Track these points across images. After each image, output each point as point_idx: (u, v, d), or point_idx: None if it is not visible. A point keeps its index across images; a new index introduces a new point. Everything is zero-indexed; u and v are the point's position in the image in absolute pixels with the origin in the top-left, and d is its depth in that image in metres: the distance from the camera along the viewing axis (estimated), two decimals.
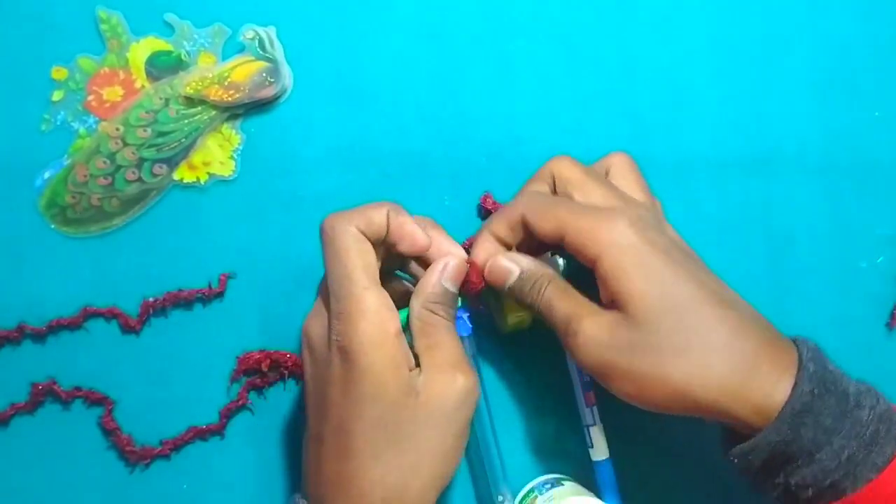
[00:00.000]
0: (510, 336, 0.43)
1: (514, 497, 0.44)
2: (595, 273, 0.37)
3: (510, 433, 0.45)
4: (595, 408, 0.42)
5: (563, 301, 0.38)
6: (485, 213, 0.45)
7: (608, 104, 0.46)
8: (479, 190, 0.45)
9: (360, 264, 0.37)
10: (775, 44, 0.47)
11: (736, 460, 0.35)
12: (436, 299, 0.38)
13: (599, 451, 0.42)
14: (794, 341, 0.36)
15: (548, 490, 0.42)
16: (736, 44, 0.47)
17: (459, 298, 0.40)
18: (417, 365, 0.37)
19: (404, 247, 0.38)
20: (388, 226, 0.38)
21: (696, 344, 0.34)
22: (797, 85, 0.47)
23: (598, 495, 0.42)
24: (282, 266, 0.45)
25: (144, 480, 0.44)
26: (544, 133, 0.46)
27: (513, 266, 0.39)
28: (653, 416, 0.44)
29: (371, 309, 0.36)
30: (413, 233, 0.38)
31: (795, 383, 0.33)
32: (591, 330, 0.36)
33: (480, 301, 0.42)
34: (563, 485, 0.42)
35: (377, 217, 0.37)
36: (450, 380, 0.37)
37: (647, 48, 0.46)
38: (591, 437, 0.42)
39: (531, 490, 0.43)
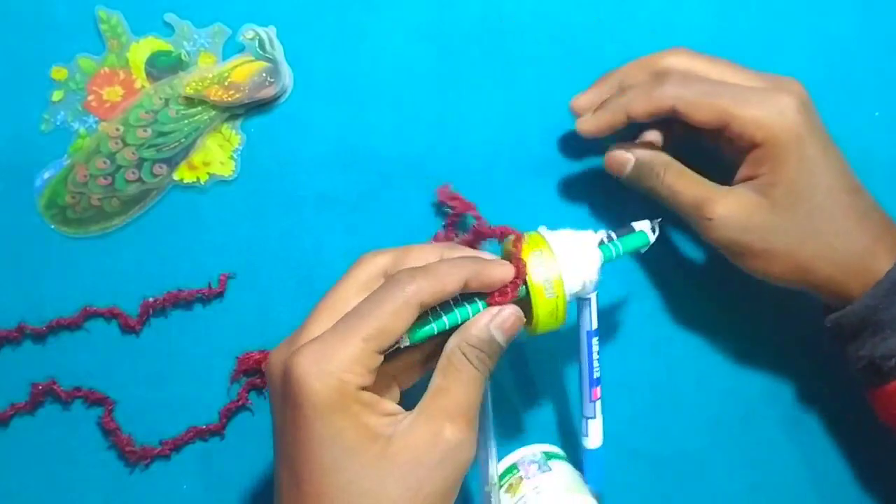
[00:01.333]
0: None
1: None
2: (745, 154, 0.39)
3: (506, 412, 0.45)
4: (598, 402, 0.41)
5: (687, 185, 0.40)
6: (443, 207, 0.44)
7: None
8: (479, 191, 0.45)
9: (390, 329, 0.33)
10: (775, 44, 0.47)
11: (830, 325, 0.39)
12: (476, 343, 0.34)
13: (594, 440, 0.41)
14: None
15: (536, 474, 0.41)
16: (736, 44, 0.46)
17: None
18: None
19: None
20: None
21: (827, 228, 0.38)
22: None
23: (585, 480, 0.42)
24: (282, 266, 0.45)
25: (144, 480, 0.45)
26: (544, 134, 0.46)
27: (628, 155, 0.41)
28: (650, 415, 0.44)
29: (340, 354, 0.32)
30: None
31: (891, 269, 0.37)
32: (727, 212, 0.38)
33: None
34: (551, 468, 0.41)
35: (452, 287, 0.34)
36: (435, 430, 0.33)
37: (647, 48, 0.45)
38: (587, 428, 0.41)
39: (514, 466, 0.42)
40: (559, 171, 0.46)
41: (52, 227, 0.45)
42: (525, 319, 0.36)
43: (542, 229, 0.38)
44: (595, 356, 0.40)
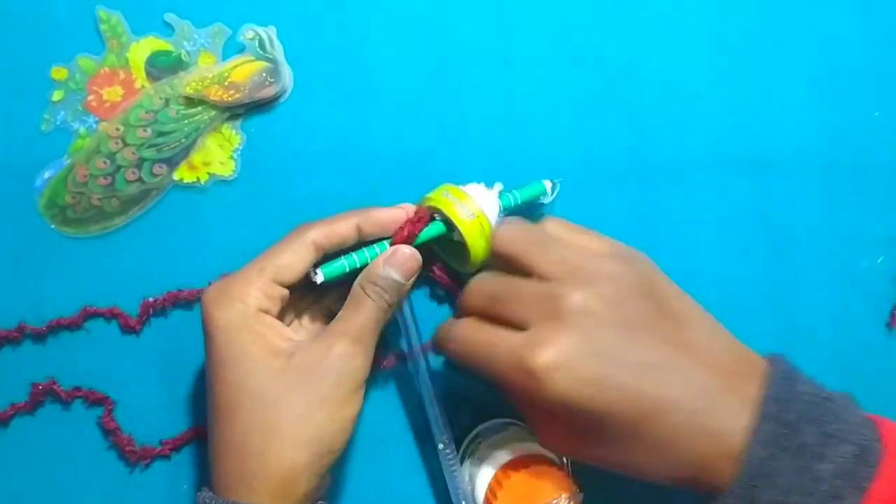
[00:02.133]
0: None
1: (460, 444, 0.44)
2: None
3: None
4: None
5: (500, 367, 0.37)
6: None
7: (608, 104, 0.46)
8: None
9: (281, 261, 0.39)
10: (775, 44, 0.47)
11: None
12: (372, 279, 0.39)
13: None
14: (767, 364, 0.35)
15: (492, 435, 0.42)
16: (736, 44, 0.47)
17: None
18: None
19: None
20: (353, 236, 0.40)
21: (640, 449, 0.34)
22: (797, 85, 0.47)
23: None
24: None
25: (144, 480, 0.45)
26: (544, 133, 0.46)
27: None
28: None
29: (245, 284, 0.38)
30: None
31: (749, 449, 0.32)
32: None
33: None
34: (507, 430, 0.43)
35: (343, 227, 0.40)
36: (326, 345, 0.38)
37: (647, 48, 0.46)
38: None
39: (477, 435, 0.44)
40: (559, 172, 0.46)
41: (52, 227, 0.45)
42: (419, 257, 0.40)
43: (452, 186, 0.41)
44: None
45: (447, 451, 0.41)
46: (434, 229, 0.40)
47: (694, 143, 0.46)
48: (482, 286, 0.39)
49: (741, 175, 0.46)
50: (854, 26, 0.47)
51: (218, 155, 0.45)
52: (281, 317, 0.40)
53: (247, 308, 0.38)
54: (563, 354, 0.34)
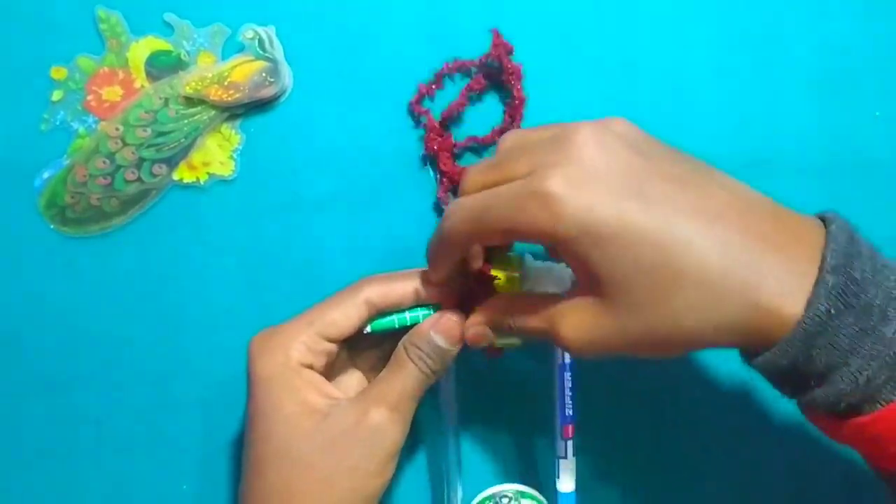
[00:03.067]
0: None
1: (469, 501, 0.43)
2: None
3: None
4: (571, 442, 0.40)
5: (529, 318, 0.35)
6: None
7: (608, 104, 0.46)
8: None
9: (330, 317, 0.38)
10: (775, 44, 0.47)
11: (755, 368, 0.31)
12: (416, 342, 0.37)
13: (565, 483, 0.41)
14: (824, 221, 0.31)
15: None
16: (736, 44, 0.46)
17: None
18: None
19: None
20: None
21: (688, 290, 0.29)
22: (797, 85, 0.46)
23: None
24: (281, 266, 0.45)
25: (144, 480, 0.45)
26: None
27: (482, 329, 0.37)
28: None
29: (291, 336, 0.37)
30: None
31: (809, 302, 0.28)
32: (574, 333, 0.32)
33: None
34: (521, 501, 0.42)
35: (401, 290, 0.38)
36: (362, 411, 0.36)
37: (647, 48, 0.46)
38: (559, 469, 0.41)
39: (488, 497, 0.42)
40: None
41: (52, 226, 0.45)
42: (465, 327, 0.38)
43: (527, 258, 0.39)
44: (568, 392, 0.40)
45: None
46: None
47: (693, 143, 0.45)
48: (479, 164, 0.35)
49: (742, 175, 0.45)
50: (854, 26, 0.47)
51: (217, 155, 0.45)
52: (327, 370, 0.39)
53: (288, 361, 0.37)
54: (578, 172, 0.30)
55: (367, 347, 0.41)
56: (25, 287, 0.45)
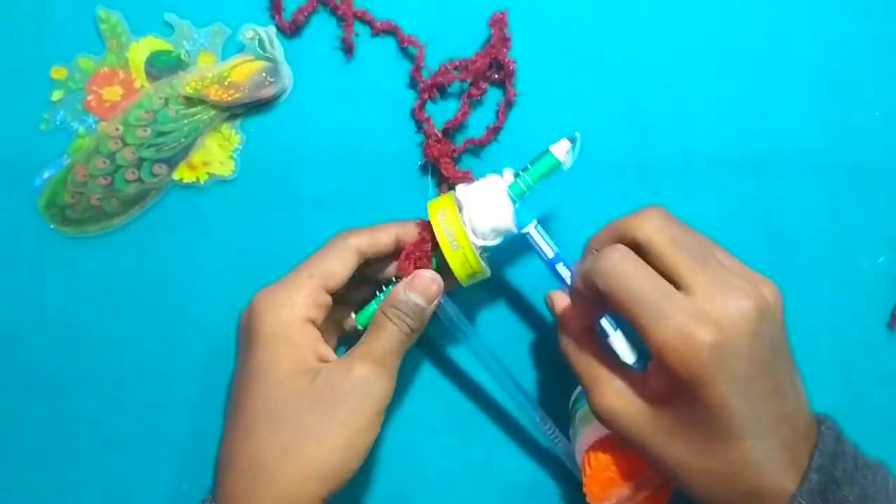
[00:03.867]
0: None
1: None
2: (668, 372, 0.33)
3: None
4: (605, 319, 0.40)
5: (581, 363, 0.37)
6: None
7: (608, 104, 0.46)
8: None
9: (326, 267, 0.39)
10: (775, 44, 0.47)
11: None
12: (394, 304, 0.39)
13: (626, 355, 0.40)
14: (817, 425, 0.35)
15: (586, 406, 0.41)
16: (736, 44, 0.47)
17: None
18: None
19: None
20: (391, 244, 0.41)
21: (716, 466, 0.33)
22: (797, 85, 0.46)
23: None
24: (282, 266, 0.44)
25: (145, 480, 0.45)
26: (544, 133, 0.45)
27: (556, 303, 0.39)
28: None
29: (295, 290, 0.38)
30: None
31: (794, 495, 0.32)
32: (607, 407, 0.36)
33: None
34: None
35: (385, 237, 0.40)
36: (347, 368, 0.37)
37: (648, 48, 0.46)
38: (615, 348, 0.40)
39: (576, 399, 0.43)
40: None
41: (52, 226, 0.45)
42: (441, 281, 0.40)
43: (459, 187, 0.40)
44: (568, 280, 0.40)
45: (545, 423, 0.42)
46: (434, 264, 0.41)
47: (695, 143, 0.46)
48: (666, 230, 0.36)
49: (742, 175, 0.46)
50: (854, 26, 0.47)
51: (217, 155, 0.45)
52: (324, 329, 0.40)
53: (293, 315, 0.38)
54: (731, 341, 0.32)
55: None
56: (25, 287, 0.45)
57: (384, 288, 0.41)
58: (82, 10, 0.45)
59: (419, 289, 0.39)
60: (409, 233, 0.41)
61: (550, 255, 0.40)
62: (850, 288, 0.46)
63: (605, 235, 0.37)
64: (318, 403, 0.37)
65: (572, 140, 0.39)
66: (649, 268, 0.34)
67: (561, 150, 0.39)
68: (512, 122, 0.46)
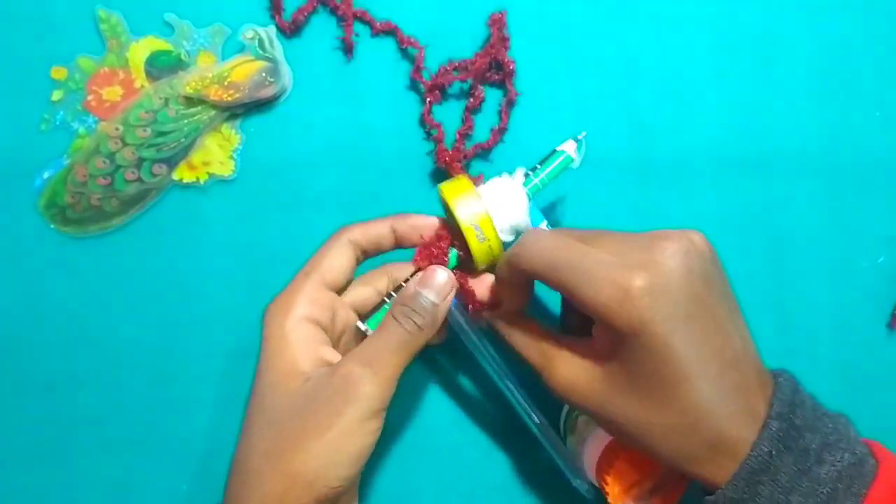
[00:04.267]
0: None
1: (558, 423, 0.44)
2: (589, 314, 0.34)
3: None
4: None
5: (528, 344, 0.38)
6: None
7: (608, 104, 0.46)
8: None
9: (324, 263, 0.39)
10: (776, 44, 0.47)
11: None
12: (404, 301, 0.37)
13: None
14: (773, 378, 0.35)
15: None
16: (736, 44, 0.47)
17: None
18: None
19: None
20: (392, 239, 0.40)
21: (673, 417, 0.33)
22: (797, 85, 0.47)
23: None
24: (281, 266, 0.44)
25: (145, 480, 0.45)
26: (544, 133, 0.46)
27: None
28: None
29: (294, 291, 0.38)
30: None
31: (755, 442, 0.32)
32: (564, 380, 0.36)
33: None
34: None
35: (379, 227, 0.40)
36: (334, 368, 0.36)
37: (648, 48, 0.47)
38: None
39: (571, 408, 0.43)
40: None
41: (52, 226, 0.45)
42: (454, 279, 0.39)
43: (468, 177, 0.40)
44: None
45: (545, 429, 0.41)
46: (453, 261, 0.40)
47: (695, 143, 0.46)
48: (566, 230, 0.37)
49: (742, 174, 0.46)
50: (854, 27, 0.47)
51: (217, 155, 0.45)
52: (333, 330, 0.39)
53: (290, 315, 0.37)
54: (662, 280, 0.32)
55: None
56: (25, 287, 0.45)
57: (393, 294, 0.40)
58: (82, 10, 0.45)
59: (431, 285, 0.38)
60: (405, 223, 0.40)
61: None
62: (850, 288, 0.46)
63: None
64: (305, 407, 0.35)
65: (578, 140, 0.40)
66: (566, 237, 0.35)
67: (570, 149, 0.40)
68: (513, 123, 0.46)
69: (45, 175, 0.45)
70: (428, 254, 0.39)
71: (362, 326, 0.39)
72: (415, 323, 0.37)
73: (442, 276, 0.38)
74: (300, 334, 0.37)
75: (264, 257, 0.45)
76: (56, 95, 0.45)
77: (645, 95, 0.46)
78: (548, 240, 0.36)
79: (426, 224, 0.40)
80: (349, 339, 0.41)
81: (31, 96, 0.45)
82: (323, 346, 0.37)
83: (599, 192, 0.46)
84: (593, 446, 0.40)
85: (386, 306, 0.39)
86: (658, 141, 0.46)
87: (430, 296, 0.37)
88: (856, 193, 0.46)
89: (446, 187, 0.39)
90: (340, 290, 0.40)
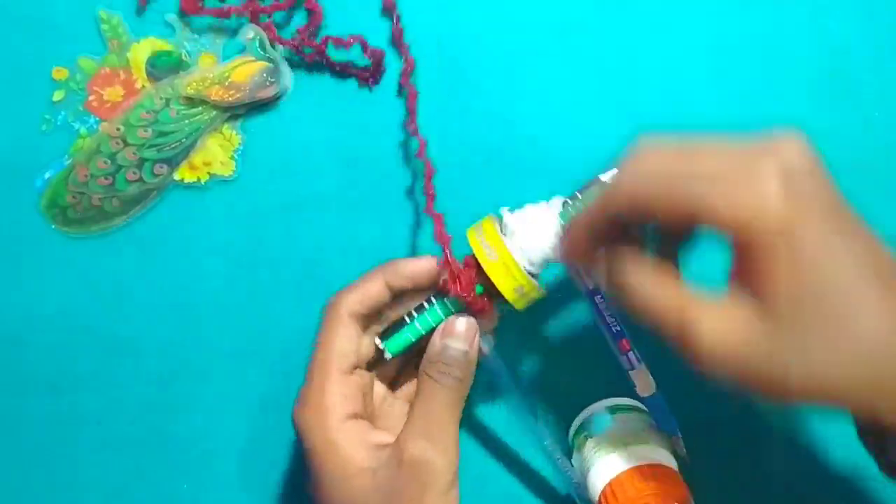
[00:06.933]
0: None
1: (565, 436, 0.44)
2: (733, 247, 0.29)
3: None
4: (632, 353, 0.39)
5: (659, 293, 0.31)
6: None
7: (608, 104, 0.46)
8: (477, 190, 0.45)
9: (337, 350, 0.37)
10: (774, 45, 0.47)
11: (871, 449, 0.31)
12: (432, 359, 0.37)
13: (643, 388, 0.40)
14: None
15: (599, 430, 0.41)
16: (735, 45, 0.47)
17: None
18: None
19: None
20: (389, 292, 0.38)
21: (849, 335, 0.28)
22: (796, 86, 0.46)
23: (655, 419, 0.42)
24: (281, 265, 0.46)
25: (145, 480, 0.45)
26: (543, 133, 0.46)
27: (583, 253, 0.34)
28: None
29: (321, 391, 0.36)
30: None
31: None
32: (715, 336, 0.29)
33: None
34: (614, 422, 0.41)
35: (374, 289, 0.38)
36: (398, 455, 0.35)
37: (647, 48, 0.46)
38: (633, 380, 0.40)
39: (581, 426, 0.43)
40: (554, 172, 0.45)
41: (53, 226, 0.45)
42: (474, 322, 0.37)
43: (504, 210, 0.38)
44: (605, 312, 0.39)
45: (552, 450, 0.40)
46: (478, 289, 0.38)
47: None
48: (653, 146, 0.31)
49: None
50: (853, 28, 0.47)
51: (218, 155, 0.45)
52: (370, 409, 0.39)
53: (330, 421, 0.36)
54: (797, 175, 0.29)
55: (404, 376, 0.42)
56: (27, 286, 0.45)
57: (413, 314, 0.38)
58: (83, 10, 0.45)
59: (456, 333, 0.37)
60: (397, 275, 0.38)
61: (591, 285, 0.39)
62: None
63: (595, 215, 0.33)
64: (386, 500, 0.35)
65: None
66: (678, 156, 0.30)
67: (610, 178, 0.38)
68: (511, 121, 0.46)
69: (47, 175, 0.45)
70: (457, 277, 0.37)
71: (380, 345, 0.38)
72: (453, 377, 0.36)
73: (462, 325, 0.37)
74: (347, 435, 0.36)
75: (265, 256, 0.45)
76: (57, 96, 0.45)
77: (644, 96, 0.46)
78: (653, 160, 0.30)
79: (419, 270, 0.38)
80: (386, 407, 0.40)
81: (33, 97, 0.45)
82: (370, 432, 0.37)
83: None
84: (600, 474, 0.40)
85: (406, 328, 0.38)
86: None
87: (458, 345, 0.37)
88: (854, 193, 0.44)
89: (471, 233, 0.38)
90: (365, 367, 0.39)
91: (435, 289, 0.38)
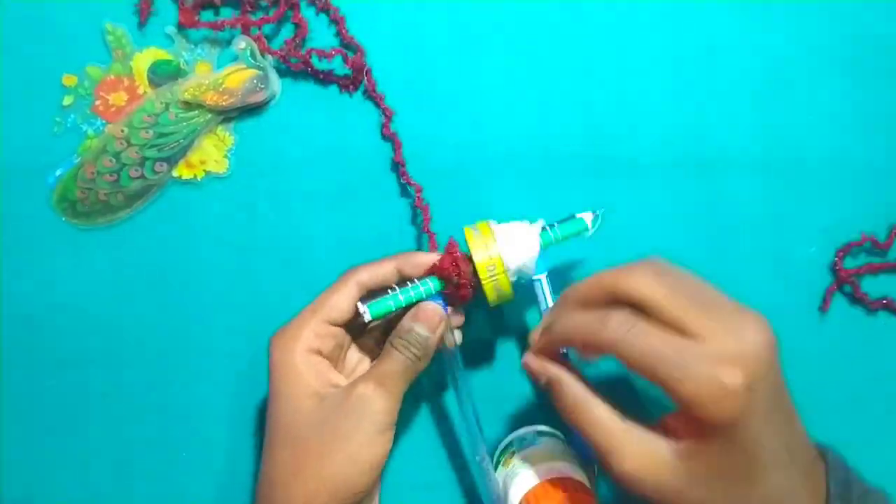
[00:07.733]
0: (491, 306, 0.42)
1: (493, 453, 0.44)
2: (677, 405, 0.33)
3: (489, 393, 0.45)
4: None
5: (594, 427, 0.35)
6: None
7: (567, 107, 0.47)
8: (458, 189, 0.46)
9: (329, 302, 0.39)
10: (718, 56, 0.47)
11: None
12: (400, 334, 0.40)
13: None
14: (822, 455, 0.35)
15: (525, 448, 0.42)
16: (683, 54, 0.47)
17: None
18: None
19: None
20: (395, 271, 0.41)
21: (756, 496, 0.33)
22: (738, 92, 0.47)
23: (577, 449, 0.43)
24: (271, 255, 0.46)
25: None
26: (507, 133, 0.47)
27: (541, 371, 0.37)
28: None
29: (300, 326, 0.39)
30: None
31: None
32: (634, 469, 0.33)
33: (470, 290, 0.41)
34: (539, 442, 0.43)
35: (385, 269, 0.41)
36: (349, 388, 0.38)
37: (603, 58, 0.47)
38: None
39: (510, 444, 0.44)
40: (543, 172, 0.47)
41: (64, 219, 0.46)
42: (443, 313, 0.40)
43: (492, 223, 0.41)
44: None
45: (484, 465, 0.41)
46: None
47: (645, 144, 0.47)
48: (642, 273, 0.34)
49: (688, 173, 0.47)
50: (788, 41, 0.47)
51: (213, 154, 0.46)
52: (336, 356, 0.41)
53: (297, 347, 0.38)
54: (758, 375, 0.31)
55: (373, 341, 0.44)
56: (39, 274, 0.46)
57: (395, 287, 0.40)
58: (91, 23, 0.46)
59: (424, 319, 0.40)
60: (409, 263, 0.41)
61: (550, 304, 0.41)
62: (785, 276, 0.47)
63: (593, 292, 0.35)
64: (324, 424, 0.37)
65: (596, 215, 0.41)
66: (654, 328, 0.33)
67: (588, 219, 0.41)
68: (495, 122, 0.46)
69: (58, 173, 0.46)
70: (452, 260, 0.39)
71: (361, 307, 0.40)
72: (413, 353, 0.39)
73: (431, 312, 0.40)
74: (307, 365, 0.39)
75: (255, 247, 0.46)
76: (67, 101, 0.46)
77: (600, 100, 0.47)
78: (637, 329, 0.33)
79: (428, 262, 0.41)
80: (352, 369, 0.43)
81: (45, 102, 0.46)
82: (330, 371, 0.40)
83: (557, 188, 0.47)
84: (518, 485, 0.40)
85: (390, 296, 0.40)
86: (611, 142, 0.47)
87: (421, 330, 0.39)
88: (791, 189, 0.46)
89: (469, 231, 0.40)
90: (344, 326, 0.41)
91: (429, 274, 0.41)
